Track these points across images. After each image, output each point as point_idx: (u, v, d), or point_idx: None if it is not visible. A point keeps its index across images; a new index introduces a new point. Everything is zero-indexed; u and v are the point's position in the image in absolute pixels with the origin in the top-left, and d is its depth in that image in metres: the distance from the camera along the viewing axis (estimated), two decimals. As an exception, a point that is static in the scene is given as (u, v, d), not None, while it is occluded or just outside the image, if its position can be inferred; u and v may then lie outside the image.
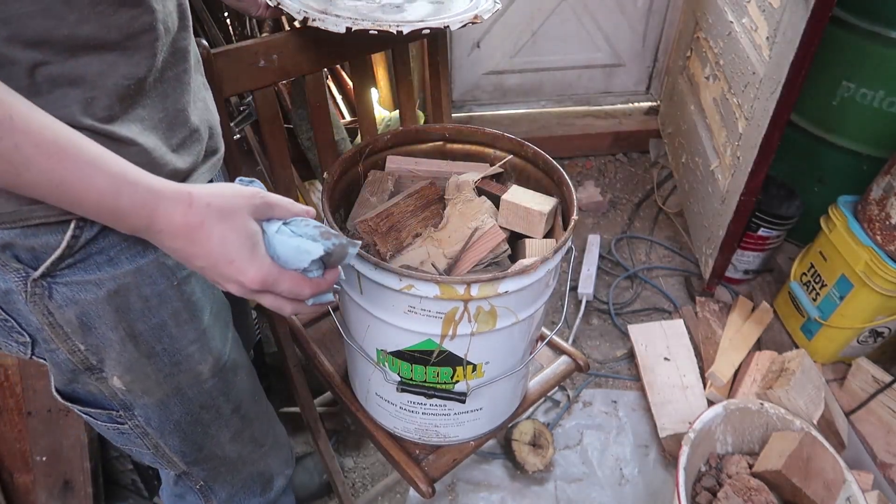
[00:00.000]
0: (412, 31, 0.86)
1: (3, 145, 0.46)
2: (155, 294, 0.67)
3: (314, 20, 0.85)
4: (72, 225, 0.58)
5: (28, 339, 0.67)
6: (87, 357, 0.68)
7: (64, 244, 0.59)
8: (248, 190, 0.60)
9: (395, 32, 0.85)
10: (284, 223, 0.62)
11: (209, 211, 0.56)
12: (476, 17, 0.90)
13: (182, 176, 0.67)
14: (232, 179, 0.65)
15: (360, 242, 0.64)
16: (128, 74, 0.58)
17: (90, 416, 0.76)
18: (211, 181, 0.74)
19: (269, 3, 0.90)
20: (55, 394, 0.74)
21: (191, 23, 0.70)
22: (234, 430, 0.88)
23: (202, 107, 0.73)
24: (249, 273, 0.58)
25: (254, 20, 1.82)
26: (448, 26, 0.88)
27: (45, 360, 0.70)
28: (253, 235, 0.58)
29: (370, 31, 0.85)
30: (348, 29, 0.84)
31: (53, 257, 0.59)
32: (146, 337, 0.69)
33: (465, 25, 0.90)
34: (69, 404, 0.75)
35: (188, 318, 0.72)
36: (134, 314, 0.67)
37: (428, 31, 0.87)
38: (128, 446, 0.82)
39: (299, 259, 0.60)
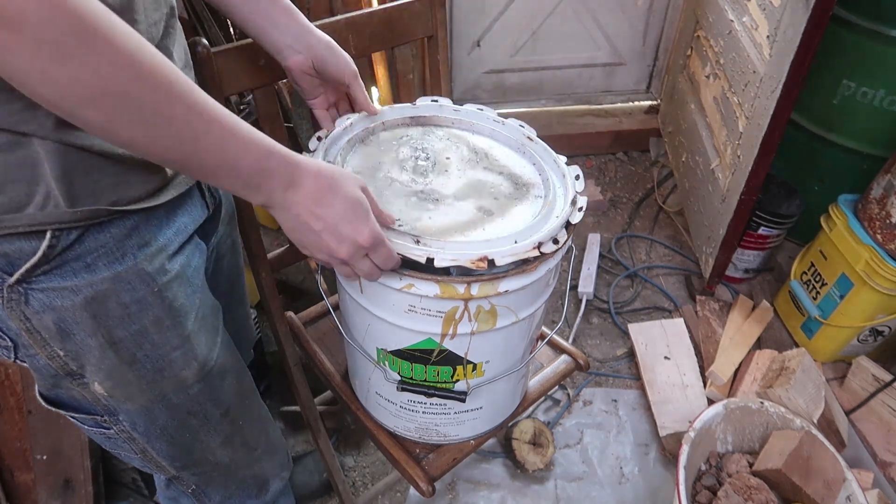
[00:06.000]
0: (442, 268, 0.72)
1: (195, 126, 0.53)
2: (134, 300, 0.67)
3: None
4: (48, 234, 0.57)
5: (10, 343, 0.66)
6: (67, 363, 0.67)
7: (40, 253, 0.58)
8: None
9: (423, 262, 0.71)
10: None
11: (333, 176, 0.64)
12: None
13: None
14: None
15: None
16: None
17: (76, 420, 0.76)
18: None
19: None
20: (39, 399, 0.73)
21: (176, 29, 0.69)
22: (225, 436, 0.87)
23: None
24: (364, 232, 0.66)
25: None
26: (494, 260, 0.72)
27: (26, 364, 0.69)
28: (364, 201, 0.66)
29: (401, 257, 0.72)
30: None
31: (29, 264, 0.58)
32: (126, 344, 0.68)
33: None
34: (54, 409, 0.74)
35: (171, 324, 0.71)
36: (113, 321, 0.66)
37: (457, 268, 0.73)
38: (116, 450, 0.81)
39: None
